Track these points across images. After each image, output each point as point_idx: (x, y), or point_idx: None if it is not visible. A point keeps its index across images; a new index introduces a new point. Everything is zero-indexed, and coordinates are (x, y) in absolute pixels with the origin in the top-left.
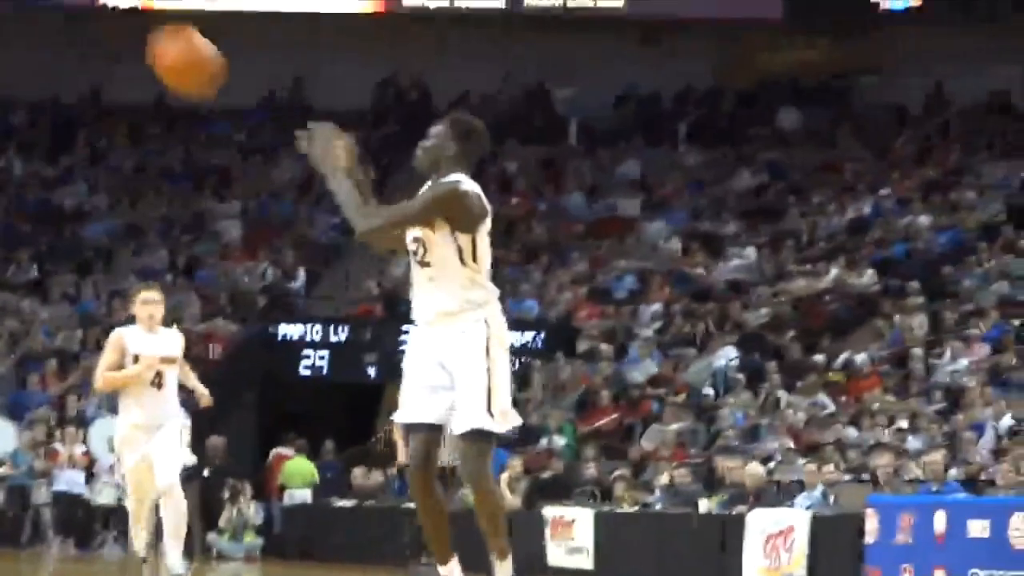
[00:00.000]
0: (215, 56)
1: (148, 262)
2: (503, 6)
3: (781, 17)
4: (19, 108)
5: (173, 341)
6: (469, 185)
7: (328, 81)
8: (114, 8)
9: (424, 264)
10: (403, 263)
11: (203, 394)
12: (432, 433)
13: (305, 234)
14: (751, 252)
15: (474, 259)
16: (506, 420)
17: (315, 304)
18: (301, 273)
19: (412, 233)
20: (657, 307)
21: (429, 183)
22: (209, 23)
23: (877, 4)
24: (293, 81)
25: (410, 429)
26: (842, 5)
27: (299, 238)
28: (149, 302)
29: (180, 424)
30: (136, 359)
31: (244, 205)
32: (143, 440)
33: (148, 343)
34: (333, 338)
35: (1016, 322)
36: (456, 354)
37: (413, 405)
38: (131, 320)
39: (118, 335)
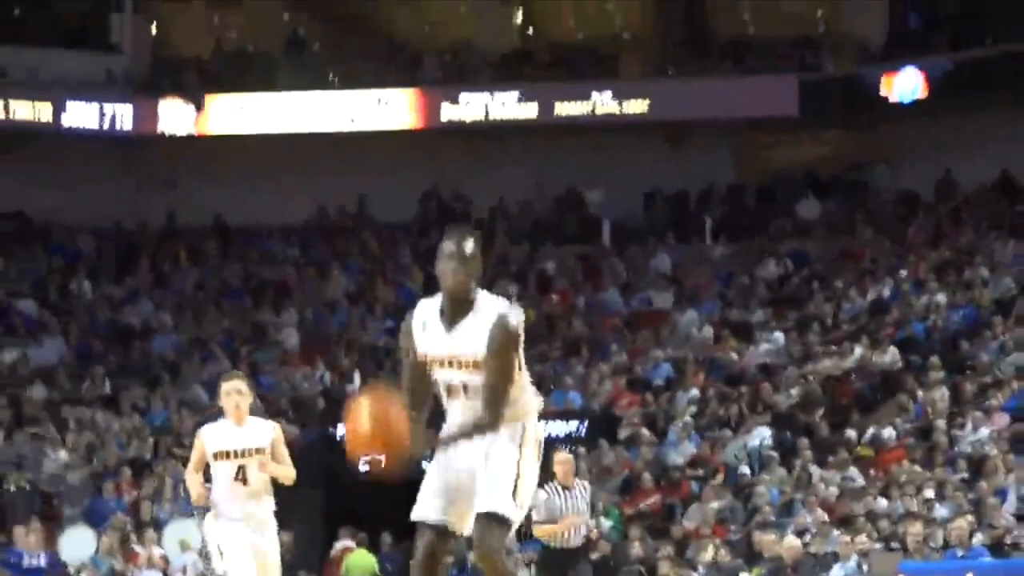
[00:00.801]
0: (403, 427)
1: (213, 373)
2: (534, 116)
3: (797, 114)
4: (86, 235)
5: (262, 432)
6: (516, 311)
7: (375, 196)
8: (170, 136)
9: (468, 400)
10: None
11: (286, 476)
12: (439, 537)
13: (358, 339)
14: (779, 337)
15: (516, 378)
16: (523, 513)
17: None
18: (356, 376)
19: (452, 377)
20: (693, 392)
21: (472, 316)
22: (259, 146)
23: (886, 98)
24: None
25: (419, 527)
26: (853, 100)
27: (353, 344)
28: (232, 392)
29: (274, 524)
30: (216, 456)
31: (300, 315)
32: (239, 535)
33: (230, 437)
34: None
35: None
36: (488, 449)
37: (428, 504)
38: (220, 414)
39: (199, 434)
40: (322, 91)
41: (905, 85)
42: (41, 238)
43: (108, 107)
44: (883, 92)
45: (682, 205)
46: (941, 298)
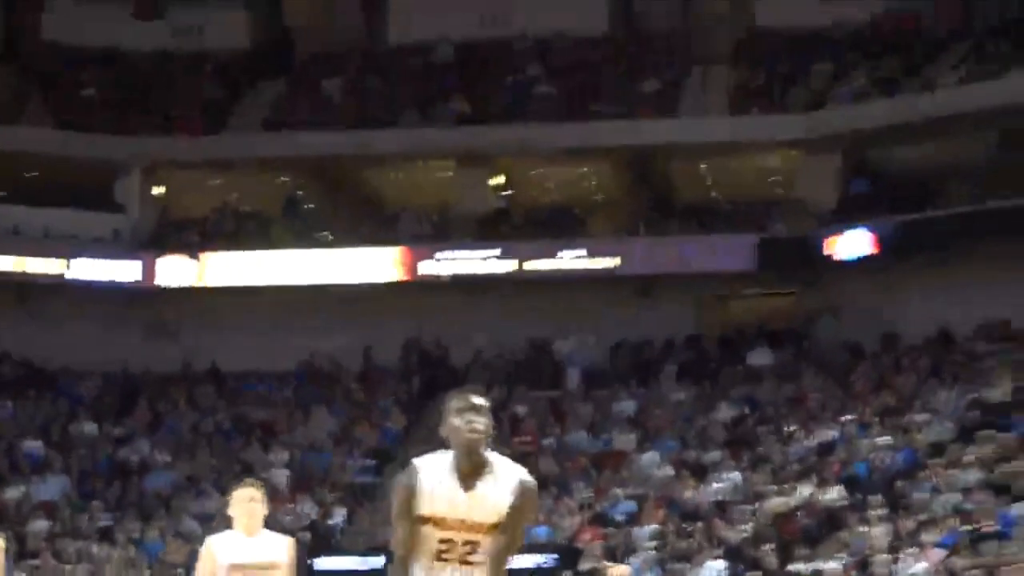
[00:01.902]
0: None
1: (204, 507)
2: (510, 272)
3: (753, 271)
4: (91, 379)
5: (279, 546)
6: (530, 476)
7: (359, 344)
8: (171, 289)
9: (464, 562)
10: None
11: None
12: None
13: (341, 479)
14: (733, 476)
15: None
16: None
17: (352, 538)
18: (339, 512)
19: (459, 537)
20: (653, 527)
21: (491, 480)
22: (252, 298)
23: (831, 256)
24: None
25: None
26: (804, 258)
27: (336, 482)
28: (247, 500)
29: None
30: (232, 569)
31: (288, 455)
32: None
33: (244, 549)
34: (366, 567)
35: (966, 528)
36: None
37: None
38: (229, 525)
39: (207, 544)
40: (314, 248)
41: (852, 245)
42: (49, 383)
43: (114, 263)
44: (831, 251)
45: (646, 353)
46: (883, 441)
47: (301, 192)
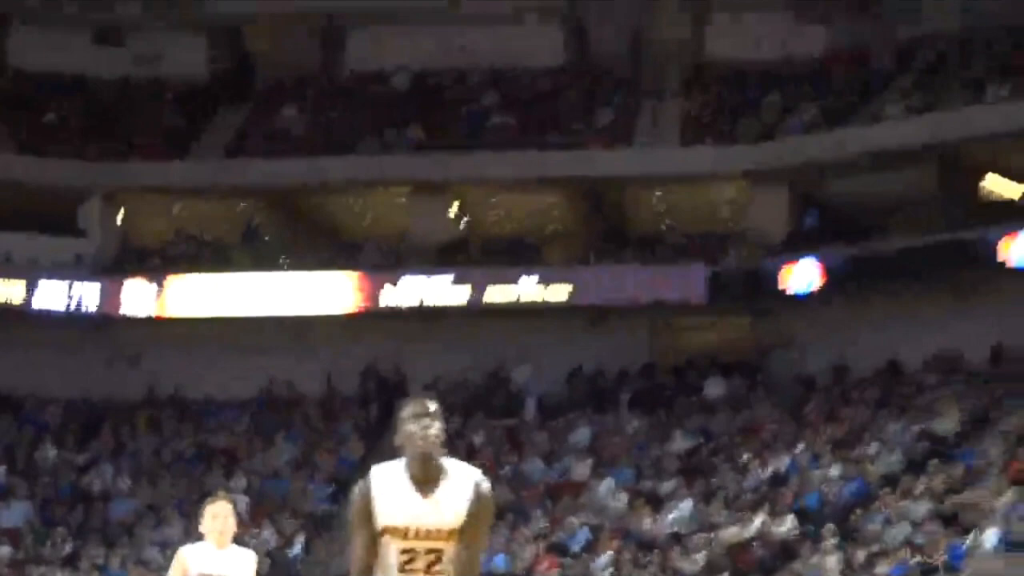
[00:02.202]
0: None
1: (166, 535)
2: (465, 302)
3: (705, 301)
4: (52, 405)
5: (245, 561)
6: (485, 478)
7: (318, 371)
8: (133, 316)
9: (429, 573)
10: None
11: None
12: None
13: (301, 505)
14: (688, 505)
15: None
16: None
17: (310, 568)
18: (298, 541)
19: (420, 546)
20: (609, 556)
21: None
22: (213, 329)
23: (785, 289)
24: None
25: None
26: (755, 289)
27: (296, 509)
28: (220, 515)
29: None
30: None
31: (248, 482)
32: None
33: (215, 561)
34: None
35: (916, 559)
36: None
37: None
38: (200, 537)
39: (181, 553)
40: (274, 275)
41: (802, 277)
42: (13, 410)
43: (77, 287)
44: (782, 283)
45: (601, 382)
46: (834, 472)
47: (261, 219)
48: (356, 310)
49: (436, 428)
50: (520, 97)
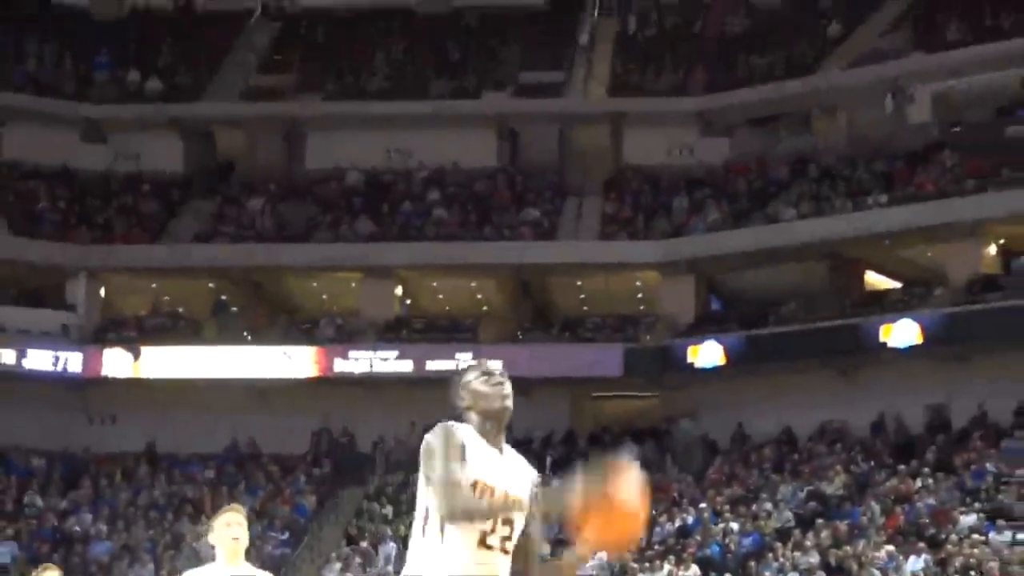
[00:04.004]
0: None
1: (139, 573)
2: (410, 371)
3: (620, 376)
4: (38, 457)
5: None
6: None
7: (276, 431)
8: (111, 380)
9: (504, 550)
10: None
11: None
12: None
13: (261, 550)
14: (602, 554)
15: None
16: None
17: None
18: None
19: (506, 514)
20: None
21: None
22: (183, 392)
23: (692, 364)
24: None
25: None
26: (665, 366)
27: (255, 553)
28: (232, 523)
29: None
30: None
31: None
32: None
33: None
34: None
35: None
36: None
37: None
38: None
39: None
40: (238, 346)
41: (707, 356)
42: (3, 459)
43: (62, 353)
44: (689, 360)
45: (527, 447)
46: (734, 526)
47: (228, 297)
48: (311, 378)
49: (509, 387)
50: (459, 194)
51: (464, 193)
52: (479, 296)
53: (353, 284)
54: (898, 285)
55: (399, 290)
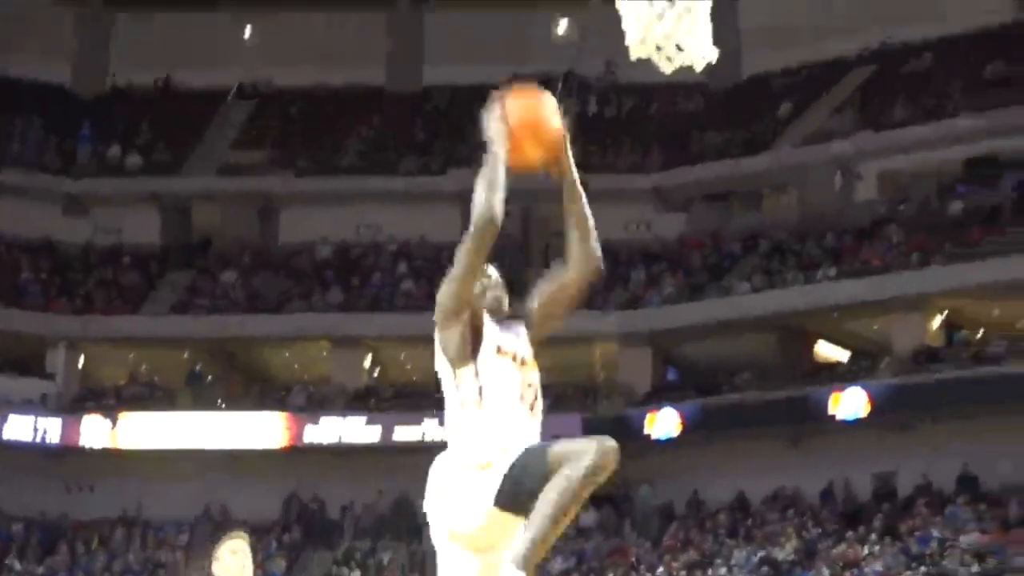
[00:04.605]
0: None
1: None
2: (376, 440)
3: None
4: (17, 523)
5: None
6: None
7: (248, 498)
8: (89, 449)
9: (532, 410)
10: None
11: None
12: None
13: None
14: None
15: None
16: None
17: None
18: None
19: (531, 377)
20: None
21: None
22: (158, 459)
23: (648, 434)
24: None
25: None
26: (623, 434)
27: None
28: (238, 551)
29: None
30: None
31: None
32: None
33: None
34: None
35: None
36: None
37: None
38: None
39: None
40: (212, 412)
41: (663, 424)
42: None
43: (41, 421)
44: (646, 429)
45: None
46: None
47: (203, 366)
48: (283, 446)
49: (495, 279)
50: (426, 267)
51: (431, 266)
52: None
53: (324, 353)
54: (846, 356)
55: (368, 359)
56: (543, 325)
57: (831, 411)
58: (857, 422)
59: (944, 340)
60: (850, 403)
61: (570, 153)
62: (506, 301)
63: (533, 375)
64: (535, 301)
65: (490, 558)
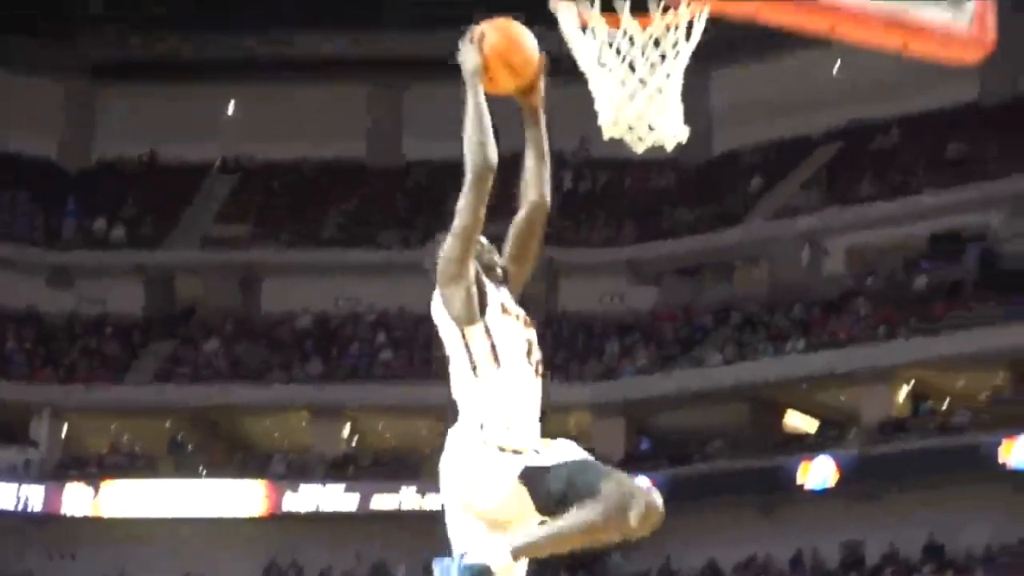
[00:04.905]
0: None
1: None
2: (354, 508)
3: None
4: None
5: None
6: None
7: (228, 564)
8: (72, 516)
9: (536, 372)
10: None
11: None
12: None
13: None
14: None
15: None
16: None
17: None
18: None
19: (533, 336)
20: None
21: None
22: (141, 527)
23: None
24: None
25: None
26: None
27: None
28: None
29: None
30: None
31: None
32: None
33: None
34: None
35: None
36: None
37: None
38: None
39: None
40: (194, 480)
41: None
42: None
43: (24, 488)
44: None
45: None
46: None
47: (184, 434)
48: (263, 513)
49: (485, 246)
50: (404, 338)
51: (409, 337)
52: (424, 434)
53: (304, 422)
54: (815, 426)
55: (347, 428)
56: (519, 274)
57: (800, 480)
58: (826, 491)
59: (910, 411)
60: (819, 473)
61: (543, 81)
62: (499, 262)
63: (533, 334)
64: (506, 255)
65: (497, 532)
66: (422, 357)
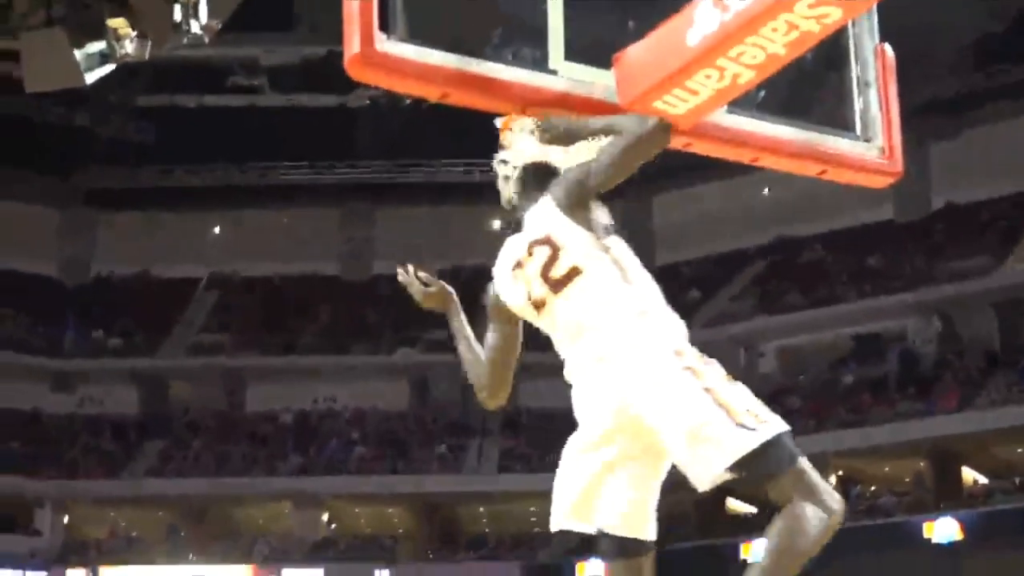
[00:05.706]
0: None
1: None
2: None
3: None
4: None
5: None
6: None
7: None
8: None
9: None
10: None
11: None
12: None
13: None
14: None
15: None
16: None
17: None
18: None
19: None
20: None
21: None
22: None
23: None
24: None
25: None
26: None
27: None
28: None
29: None
30: None
31: None
32: None
33: None
34: None
35: None
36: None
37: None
38: None
39: None
40: (186, 565)
41: (592, 572)
42: None
43: (29, 575)
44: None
45: None
46: None
47: (176, 522)
48: None
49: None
50: (377, 433)
51: (382, 433)
52: (395, 520)
53: (286, 510)
54: (755, 510)
55: (325, 516)
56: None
57: (742, 558)
58: None
59: (840, 495)
60: (758, 552)
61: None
62: (507, 203)
63: None
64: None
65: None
66: (393, 450)
